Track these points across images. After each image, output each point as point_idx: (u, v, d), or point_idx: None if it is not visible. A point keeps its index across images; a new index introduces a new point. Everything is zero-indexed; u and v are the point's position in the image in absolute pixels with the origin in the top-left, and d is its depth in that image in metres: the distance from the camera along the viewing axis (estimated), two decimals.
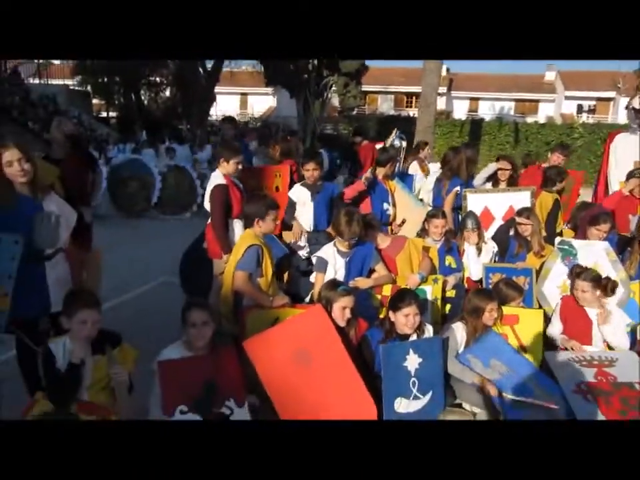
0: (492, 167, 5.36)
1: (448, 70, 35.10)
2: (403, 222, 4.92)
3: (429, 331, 3.43)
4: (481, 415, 3.37)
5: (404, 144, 6.20)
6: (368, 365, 3.26)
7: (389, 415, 3.05)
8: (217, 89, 30.68)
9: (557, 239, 4.53)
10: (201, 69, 19.11)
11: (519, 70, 34.25)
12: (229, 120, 7.23)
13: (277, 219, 3.64)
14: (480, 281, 4.47)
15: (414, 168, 6.34)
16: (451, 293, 4.24)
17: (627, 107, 7.88)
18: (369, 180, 4.54)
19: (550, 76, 34.79)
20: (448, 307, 4.23)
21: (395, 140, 6.05)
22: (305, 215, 4.57)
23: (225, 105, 33.27)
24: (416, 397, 3.17)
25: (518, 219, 4.53)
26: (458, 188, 5.03)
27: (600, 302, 3.85)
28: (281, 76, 16.88)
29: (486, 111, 33.16)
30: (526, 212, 4.53)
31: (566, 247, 4.44)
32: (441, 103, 33.75)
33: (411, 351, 3.15)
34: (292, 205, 4.63)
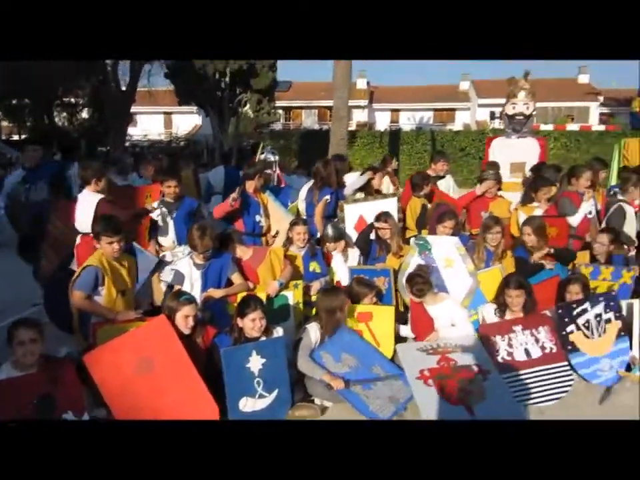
0: (363, 178, 5.70)
1: (368, 83, 36.27)
2: (277, 233, 5.15)
3: (277, 332, 3.64)
4: (331, 408, 3.62)
5: (275, 157, 6.46)
6: (217, 369, 3.43)
7: (234, 414, 3.24)
8: (140, 108, 30.40)
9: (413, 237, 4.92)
10: (116, 89, 18.86)
11: (435, 81, 35.83)
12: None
13: (115, 242, 3.66)
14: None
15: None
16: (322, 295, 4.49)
17: (501, 113, 8.51)
18: (235, 199, 4.74)
19: (464, 85, 36.59)
20: (314, 310, 4.47)
21: (266, 154, 6.31)
22: (167, 232, 4.73)
23: (148, 124, 32.93)
24: (261, 396, 3.37)
25: (376, 224, 4.86)
26: (328, 197, 5.33)
27: (436, 298, 4.23)
28: (193, 94, 16.94)
29: (406, 121, 34.43)
30: (384, 216, 4.87)
31: (422, 242, 4.81)
32: (364, 116, 34.80)
33: (253, 352, 3.36)
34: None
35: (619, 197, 5.38)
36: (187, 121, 33.60)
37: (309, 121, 34.39)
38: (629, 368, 4.07)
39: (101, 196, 4.67)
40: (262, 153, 6.34)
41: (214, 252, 4.04)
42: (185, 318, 3.34)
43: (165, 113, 34.79)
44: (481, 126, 29.76)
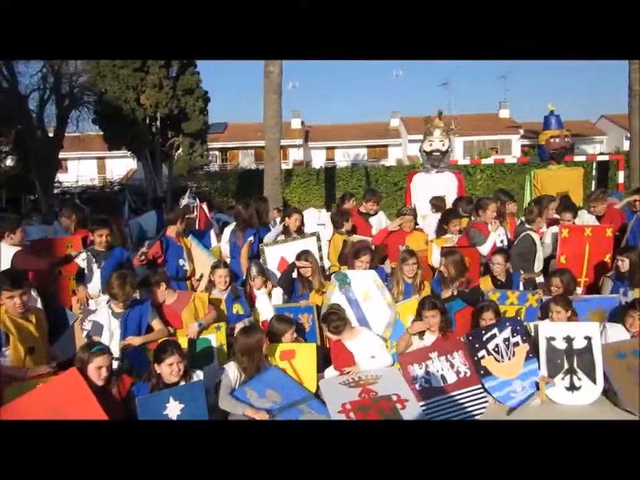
0: (280, 227, 5.85)
1: (303, 123, 37.14)
2: (201, 276, 5.18)
3: (197, 376, 3.65)
4: None
5: (197, 202, 6.56)
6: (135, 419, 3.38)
7: None
8: (70, 154, 29.68)
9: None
10: (42, 135, 18.40)
11: (367, 119, 37.27)
12: None
13: (17, 297, 3.52)
14: None
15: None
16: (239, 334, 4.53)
17: (419, 150, 8.95)
18: (144, 253, 4.79)
19: (395, 122, 38.13)
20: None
21: (188, 199, 6.41)
22: (93, 280, 4.67)
23: (81, 170, 32.11)
24: None
25: (297, 263, 4.99)
26: (252, 238, 5.43)
27: (353, 332, 4.38)
28: (123, 139, 16.82)
29: (342, 158, 35.38)
30: (304, 255, 5.01)
31: (341, 277, 4.97)
32: (299, 154, 35.49)
33: (170, 398, 3.35)
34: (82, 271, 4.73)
35: (527, 225, 5.76)
36: (121, 165, 33.07)
37: (246, 161, 34.68)
38: (538, 387, 4.33)
39: (16, 248, 4.59)
40: (183, 198, 6.42)
41: (133, 300, 4.03)
42: (97, 369, 3.29)
43: (97, 157, 34.12)
44: (412, 161, 30.97)
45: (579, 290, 5.20)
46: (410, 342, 4.44)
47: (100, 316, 3.99)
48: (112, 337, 3.93)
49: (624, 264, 5.07)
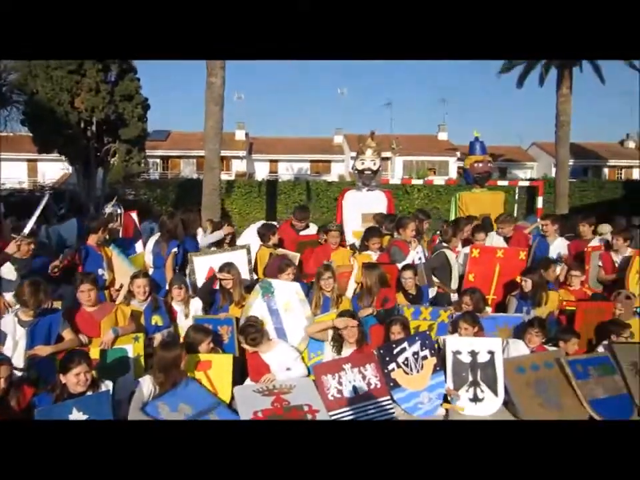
0: (219, 233, 5.89)
1: (247, 134, 37.16)
2: (121, 286, 5.13)
3: (106, 386, 3.62)
4: None
5: (120, 211, 6.51)
6: None
7: None
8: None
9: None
10: None
11: (311, 134, 37.71)
12: None
13: None
14: None
15: None
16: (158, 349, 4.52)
17: (352, 168, 9.20)
18: (57, 267, 4.70)
19: (338, 139, 38.82)
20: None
21: (112, 207, 6.35)
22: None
23: (10, 172, 30.59)
24: None
25: (219, 274, 5.05)
26: (175, 249, 5.44)
27: (270, 344, 4.48)
28: (54, 143, 16.24)
29: (285, 171, 35.60)
30: (226, 267, 5.07)
31: (266, 285, 5.06)
32: (243, 166, 35.40)
33: (74, 409, 3.31)
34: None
35: (443, 244, 6.07)
36: (55, 168, 31.78)
37: (187, 170, 34.23)
38: (445, 399, 4.56)
39: None
40: (107, 206, 6.34)
41: (44, 309, 3.95)
42: None
43: (28, 159, 32.65)
44: (354, 177, 31.61)
45: (489, 309, 5.51)
46: (326, 332, 4.61)
47: (4, 324, 3.88)
48: (16, 346, 3.83)
49: (527, 284, 5.44)
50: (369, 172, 8.59)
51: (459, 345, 4.79)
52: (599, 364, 4.80)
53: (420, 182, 20.24)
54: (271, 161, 37.11)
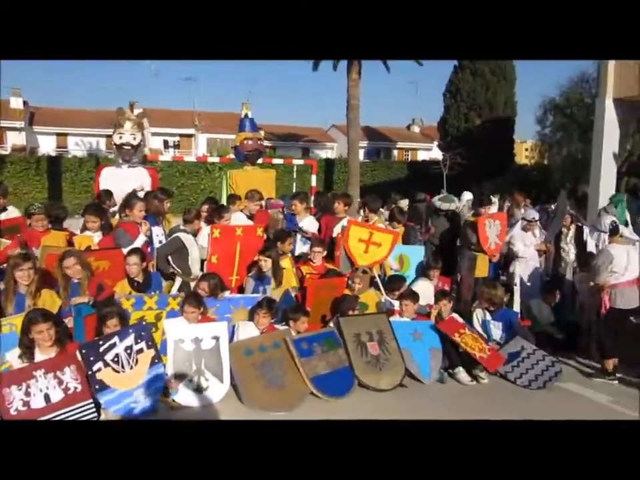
0: None
1: (25, 103, 32.59)
2: None
3: None
4: None
5: None
6: None
7: None
8: None
9: None
10: None
11: (105, 106, 34.27)
12: None
13: None
14: None
15: None
16: None
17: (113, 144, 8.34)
18: None
19: (136, 112, 36.25)
20: None
21: None
22: None
23: None
24: None
25: None
26: None
27: None
28: None
29: (75, 146, 32.14)
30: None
31: None
32: (21, 138, 31.12)
33: None
34: None
35: (181, 227, 5.66)
36: None
37: None
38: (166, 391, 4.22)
39: None
40: None
41: None
42: None
43: None
44: (157, 153, 29.86)
45: (227, 293, 5.28)
46: None
47: None
48: None
49: (267, 263, 5.34)
50: (129, 147, 7.91)
51: (181, 332, 4.49)
52: (325, 339, 4.90)
53: (193, 159, 20.14)
54: (58, 134, 33.11)
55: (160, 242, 5.59)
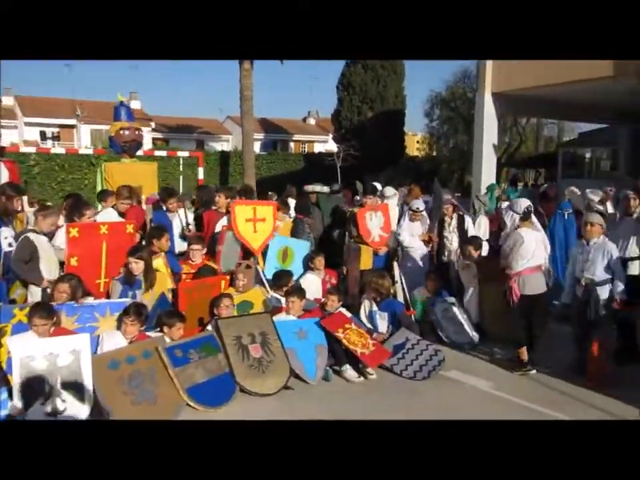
0: None
1: None
2: None
3: None
4: None
5: None
6: None
7: None
8: None
9: None
10: None
11: None
12: None
13: None
14: None
15: None
16: None
17: None
18: None
19: (7, 100, 32.96)
20: None
21: None
22: None
23: None
24: None
25: None
26: None
27: None
28: None
29: None
30: None
31: None
32: None
33: None
34: None
35: (29, 227, 5.00)
36: None
37: None
38: None
39: None
40: None
41: None
42: None
43: None
44: (32, 145, 27.22)
45: (90, 298, 4.71)
46: None
47: None
48: None
49: (138, 265, 4.85)
50: None
51: (31, 348, 3.89)
52: (202, 344, 4.53)
53: (62, 150, 19.05)
54: None
55: (9, 245, 4.87)
